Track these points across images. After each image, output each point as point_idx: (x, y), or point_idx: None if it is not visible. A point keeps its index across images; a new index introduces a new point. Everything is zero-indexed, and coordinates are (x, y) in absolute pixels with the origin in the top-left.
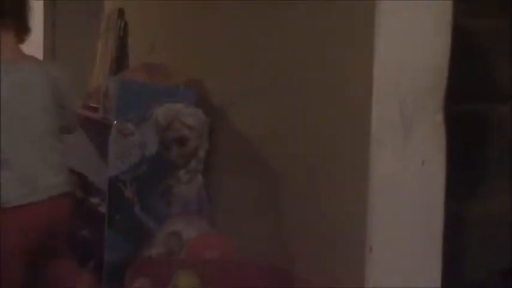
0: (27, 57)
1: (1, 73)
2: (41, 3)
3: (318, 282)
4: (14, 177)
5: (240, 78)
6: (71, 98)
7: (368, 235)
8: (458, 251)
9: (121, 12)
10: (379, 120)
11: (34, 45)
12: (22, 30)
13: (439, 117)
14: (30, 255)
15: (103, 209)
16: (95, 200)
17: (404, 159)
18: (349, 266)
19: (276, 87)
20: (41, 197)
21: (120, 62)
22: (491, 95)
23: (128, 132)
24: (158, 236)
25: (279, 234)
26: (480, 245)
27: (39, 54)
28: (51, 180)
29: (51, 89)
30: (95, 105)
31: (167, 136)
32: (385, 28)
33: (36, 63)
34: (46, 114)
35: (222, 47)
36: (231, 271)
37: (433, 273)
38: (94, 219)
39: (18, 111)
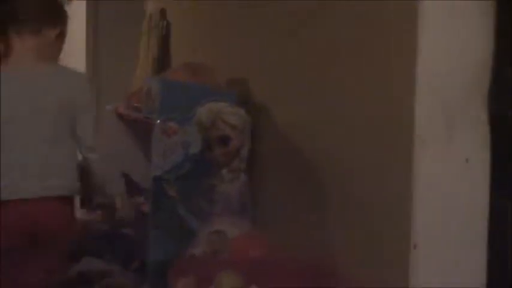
0: (44, 64)
1: (9, 77)
2: (83, 3)
3: (362, 280)
4: (4, 172)
5: (282, 77)
6: (83, 106)
7: (412, 232)
8: (503, 248)
9: (163, 12)
10: (422, 118)
11: (77, 45)
12: (44, 36)
13: (483, 115)
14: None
15: (146, 208)
16: (139, 199)
17: (448, 157)
18: (393, 263)
19: (318, 85)
20: (25, 196)
21: (162, 61)
22: None
23: (170, 132)
24: (201, 235)
25: (321, 233)
26: None
27: (82, 54)
28: (42, 182)
29: (61, 97)
30: (137, 105)
31: (210, 135)
32: (429, 27)
33: (51, 70)
34: (50, 118)
35: (264, 45)
36: (275, 270)
37: (477, 270)
38: (138, 218)
39: (20, 111)
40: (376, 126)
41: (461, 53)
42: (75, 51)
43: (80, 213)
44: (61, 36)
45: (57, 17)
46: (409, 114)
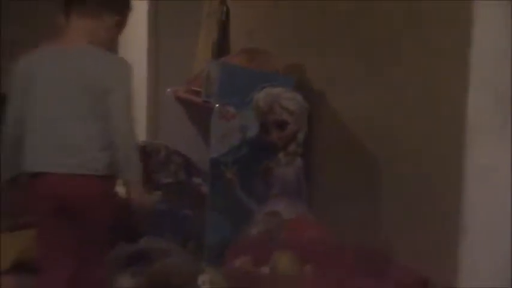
0: (102, 53)
1: (63, 55)
2: None
3: (412, 263)
4: (40, 145)
5: (339, 63)
6: (116, 92)
7: (463, 217)
8: None
9: None
10: (475, 108)
11: (139, 31)
12: (104, 21)
13: None
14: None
15: (205, 189)
16: (197, 181)
17: (501, 146)
18: (443, 249)
19: (375, 74)
20: (56, 170)
21: (221, 46)
22: None
23: (229, 116)
24: (258, 215)
25: (374, 217)
26: None
27: (144, 38)
28: (66, 158)
29: (101, 81)
30: (197, 89)
31: (267, 120)
32: (482, 18)
33: (99, 54)
34: (86, 99)
35: (321, 32)
36: (329, 252)
37: None
38: (197, 199)
39: (61, 88)
40: (429, 114)
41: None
42: (137, 36)
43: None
44: (120, 24)
45: (120, 6)
46: (462, 103)
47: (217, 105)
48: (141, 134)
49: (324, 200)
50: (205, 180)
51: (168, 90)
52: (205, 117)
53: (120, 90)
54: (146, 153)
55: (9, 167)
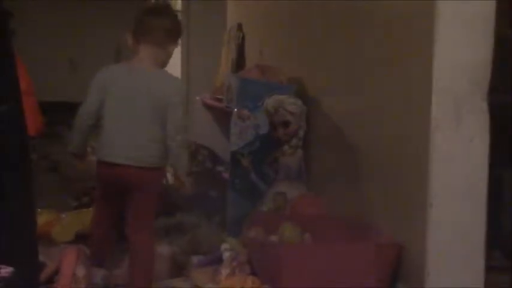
0: (164, 74)
1: (134, 73)
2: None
3: (389, 231)
4: (113, 142)
5: (330, 76)
6: (173, 106)
7: (429, 195)
8: (498, 207)
9: (240, 26)
10: (437, 107)
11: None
12: (165, 49)
13: (484, 105)
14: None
15: (226, 175)
16: (220, 168)
17: (457, 137)
18: (413, 219)
19: (358, 83)
20: (119, 161)
21: (238, 63)
22: None
23: (245, 117)
24: (268, 195)
25: (359, 195)
26: None
27: (178, 58)
28: (132, 153)
29: (161, 93)
30: (220, 97)
31: (275, 120)
32: (442, 35)
33: (159, 74)
34: (150, 109)
35: (314, 53)
36: (324, 223)
37: (478, 226)
38: (220, 183)
39: (131, 99)
40: (401, 113)
41: (467, 56)
42: (174, 56)
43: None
44: (174, 49)
45: (179, 36)
46: (427, 104)
47: (235, 109)
48: None
49: (320, 182)
50: (226, 168)
51: (198, 98)
52: (226, 119)
53: (175, 103)
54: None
55: (79, 147)
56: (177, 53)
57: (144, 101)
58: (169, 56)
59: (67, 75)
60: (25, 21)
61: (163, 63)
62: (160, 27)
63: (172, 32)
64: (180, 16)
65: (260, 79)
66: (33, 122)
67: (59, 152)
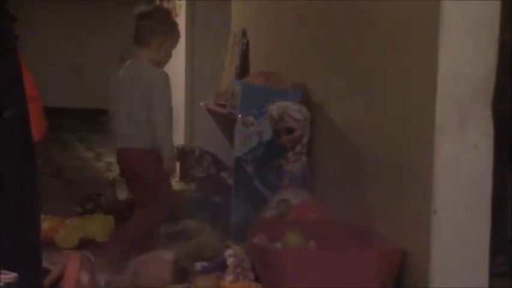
0: (148, 66)
1: (126, 69)
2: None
3: (392, 237)
4: (116, 128)
5: (334, 82)
6: (156, 94)
7: (433, 201)
8: (502, 212)
9: (244, 32)
10: (441, 114)
11: (179, 58)
12: (159, 49)
13: (488, 112)
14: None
15: (230, 181)
16: (224, 175)
17: (461, 144)
18: (416, 224)
19: (363, 89)
20: (122, 145)
21: (242, 69)
22: None
23: (249, 124)
24: (272, 202)
25: (362, 202)
26: None
27: (182, 63)
28: (127, 136)
29: (148, 85)
30: (223, 103)
31: (279, 126)
32: (446, 44)
33: (147, 69)
34: (140, 96)
35: (320, 58)
36: (328, 229)
37: (482, 232)
38: (223, 189)
39: (126, 90)
40: (406, 120)
41: (472, 65)
42: (178, 63)
43: (179, 185)
44: (170, 52)
45: (168, 37)
46: (431, 112)
47: (239, 115)
48: (180, 138)
49: (323, 189)
50: (230, 174)
51: (201, 103)
52: (230, 125)
53: (159, 91)
54: (184, 153)
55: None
56: (181, 58)
57: (136, 92)
58: (163, 55)
59: (71, 81)
60: (30, 26)
61: (158, 63)
62: (143, 28)
63: (157, 32)
64: (172, 17)
65: (265, 85)
66: (37, 127)
67: (63, 158)
